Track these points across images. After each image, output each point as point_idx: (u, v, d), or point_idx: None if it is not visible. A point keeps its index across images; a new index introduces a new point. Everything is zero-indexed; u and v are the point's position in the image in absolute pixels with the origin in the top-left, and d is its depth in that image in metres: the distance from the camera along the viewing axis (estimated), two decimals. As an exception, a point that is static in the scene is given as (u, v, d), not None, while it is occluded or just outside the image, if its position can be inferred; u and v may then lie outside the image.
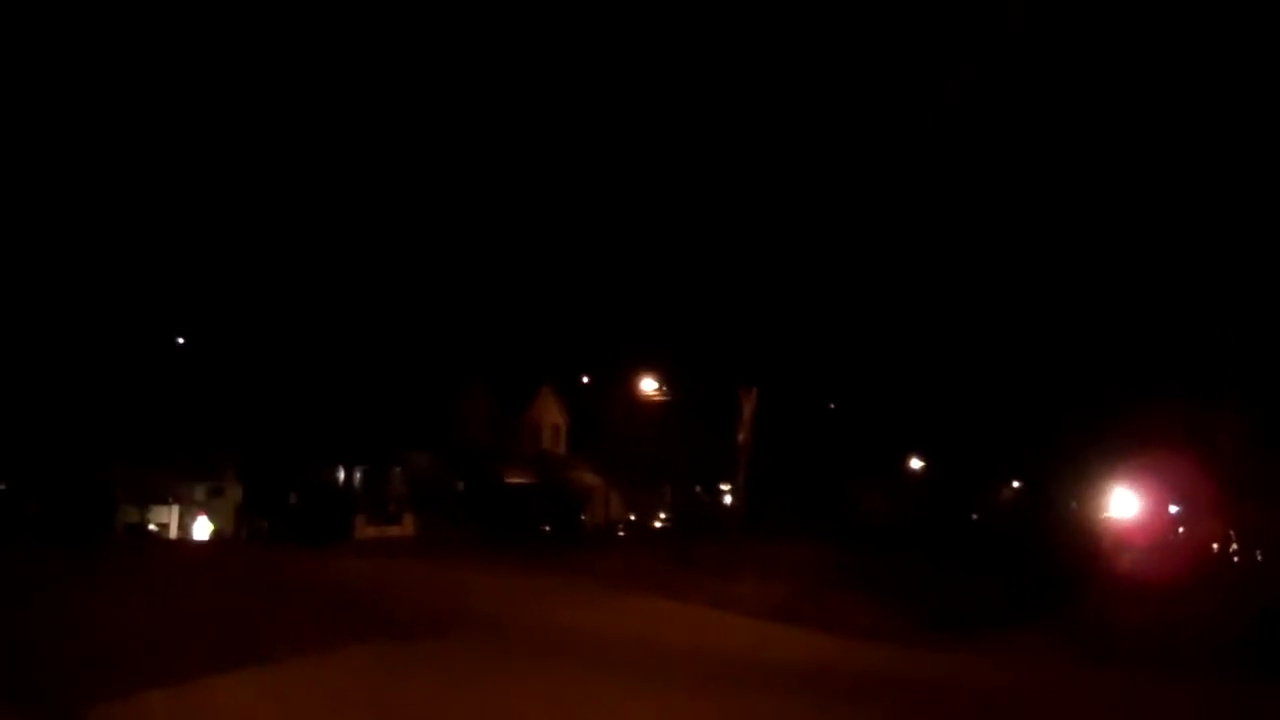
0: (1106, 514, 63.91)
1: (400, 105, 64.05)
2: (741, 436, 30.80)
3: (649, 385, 55.19)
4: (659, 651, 17.16)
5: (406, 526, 48.95)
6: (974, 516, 73.29)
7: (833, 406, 71.90)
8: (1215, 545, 58.98)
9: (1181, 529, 67.16)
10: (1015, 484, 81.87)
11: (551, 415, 64.23)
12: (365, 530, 46.13)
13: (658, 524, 64.63)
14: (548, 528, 51.63)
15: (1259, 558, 53.24)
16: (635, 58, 70.27)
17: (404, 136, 66.56)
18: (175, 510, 47.32)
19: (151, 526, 45.53)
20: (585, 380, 66.49)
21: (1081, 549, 52.02)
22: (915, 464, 77.50)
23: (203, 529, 45.73)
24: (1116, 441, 58.90)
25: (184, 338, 49.43)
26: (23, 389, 41.28)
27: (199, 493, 48.35)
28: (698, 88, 73.86)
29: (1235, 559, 56.48)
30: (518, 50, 68.15)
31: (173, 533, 46.20)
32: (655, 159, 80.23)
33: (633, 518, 64.64)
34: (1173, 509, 67.10)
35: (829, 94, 67.05)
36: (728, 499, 45.72)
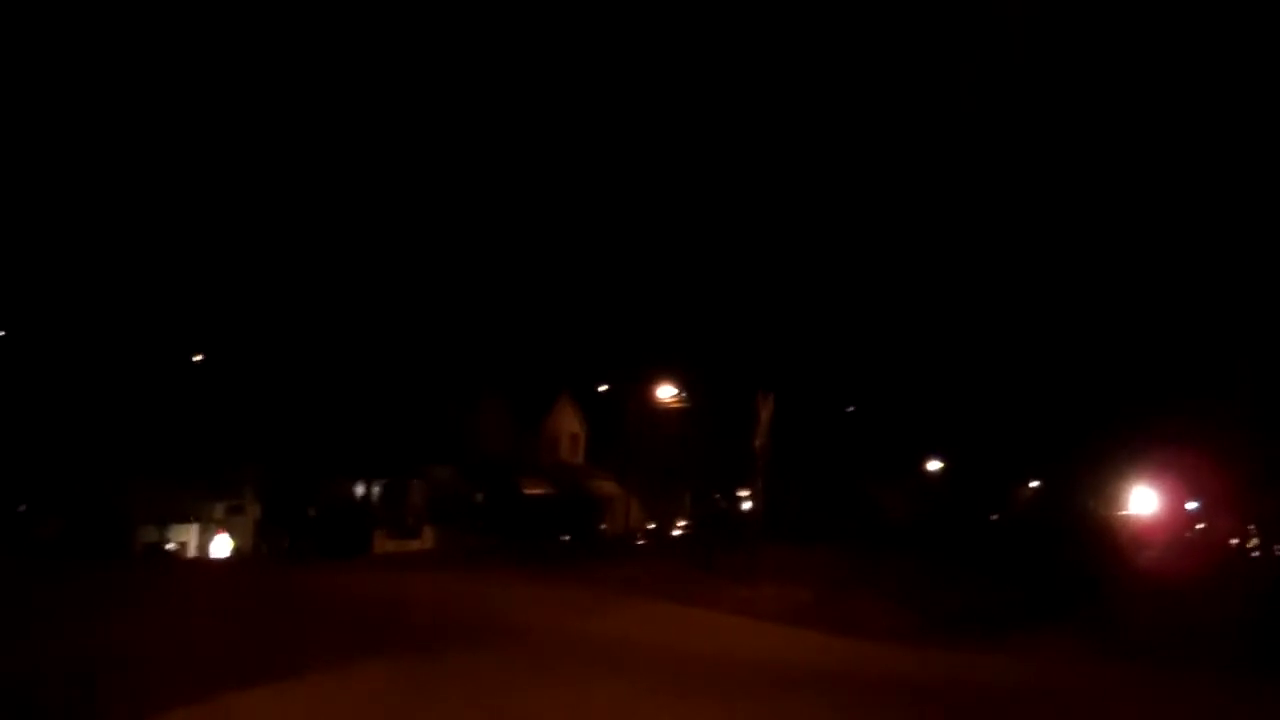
0: (1125, 511, 63.83)
1: (416, 121, 64.30)
2: (759, 442, 30.74)
3: (666, 392, 54.99)
4: (683, 658, 17.17)
5: (426, 539, 48.89)
6: (993, 517, 73.18)
7: (850, 410, 71.79)
8: (1234, 540, 58.86)
9: (1200, 525, 67.05)
10: (1034, 484, 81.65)
11: (569, 425, 64.20)
12: (384, 544, 46.11)
13: (677, 531, 64.47)
14: (567, 537, 51.61)
15: (1277, 552, 53.11)
16: (651, 68, 70.38)
17: (419, 152, 66.77)
18: (194, 528, 47.34)
19: (170, 545, 45.56)
20: (602, 389, 66.40)
21: (1101, 547, 51.93)
22: (933, 465, 77.24)
23: (222, 547, 45.68)
24: (1134, 439, 58.82)
25: (201, 355, 49.48)
26: (40, 409, 41.39)
27: (218, 510, 48.38)
28: (713, 96, 74.06)
29: (1254, 554, 56.35)
30: (533, 64, 68.40)
31: (192, 551, 46.23)
32: (670, 168, 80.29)
33: (652, 525, 64.53)
34: (1191, 505, 67.00)
35: (846, 99, 67.08)
36: (747, 505, 45.61)
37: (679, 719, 12.69)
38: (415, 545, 47.75)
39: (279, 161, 51.12)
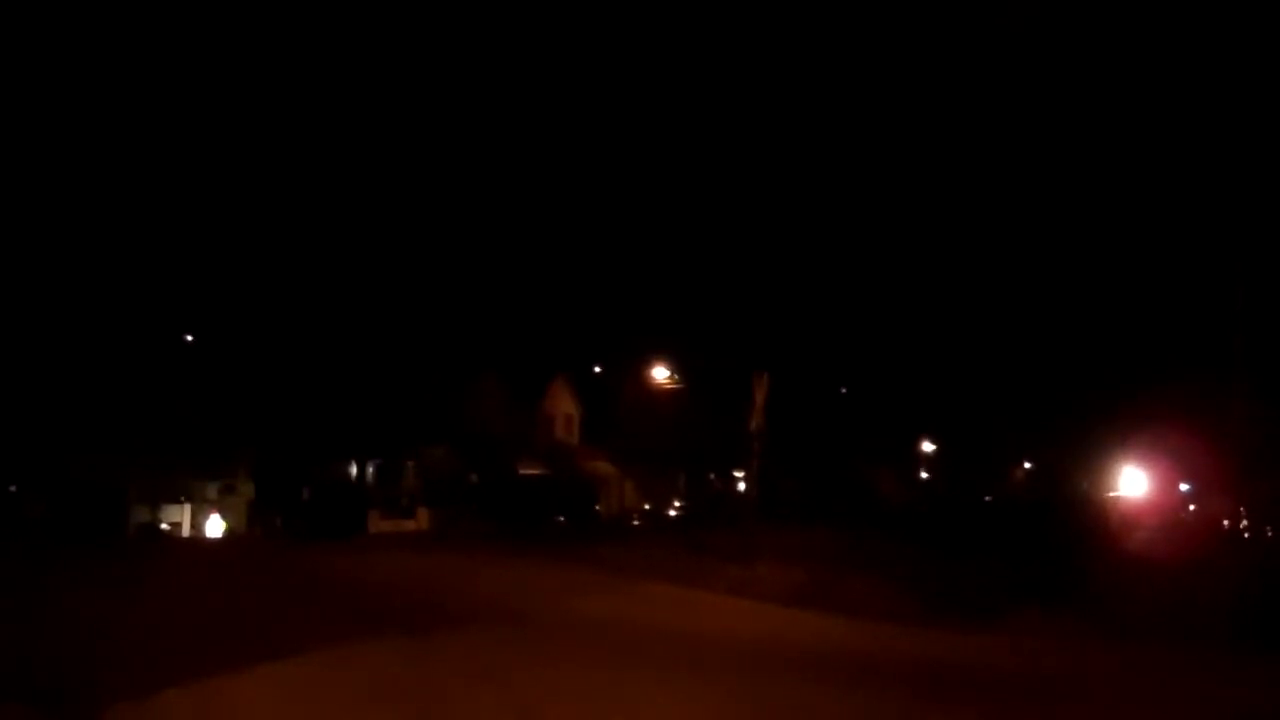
0: (1118, 493, 63.97)
1: (407, 102, 64.19)
2: (754, 423, 30.71)
3: (661, 373, 55.10)
4: (679, 639, 17.16)
5: (420, 520, 48.91)
6: (987, 498, 73.36)
7: (844, 391, 71.86)
8: (1226, 522, 58.92)
9: (1192, 506, 67.18)
10: (1027, 465, 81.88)
11: (564, 406, 64.20)
12: (379, 524, 46.11)
13: (672, 512, 64.56)
14: (562, 518, 51.60)
15: (1270, 534, 53.20)
16: (644, 53, 70.22)
17: (412, 133, 66.60)
18: (188, 508, 47.24)
19: (164, 525, 45.47)
20: (598, 370, 66.40)
21: (1094, 528, 52.06)
22: (927, 447, 77.51)
23: (215, 527, 45.71)
24: (1127, 421, 58.93)
25: (193, 335, 49.30)
26: (31, 389, 41.27)
27: (211, 490, 48.24)
28: (705, 79, 73.97)
29: (1246, 535, 56.42)
30: (526, 47, 68.34)
31: (185, 531, 46.16)
32: (664, 149, 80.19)
33: (647, 506, 64.59)
34: (1183, 487, 67.17)
35: (838, 81, 67.07)
36: (741, 485, 45.64)
37: (677, 698, 12.64)
38: (410, 526, 47.76)
39: (272, 143, 50.91)
